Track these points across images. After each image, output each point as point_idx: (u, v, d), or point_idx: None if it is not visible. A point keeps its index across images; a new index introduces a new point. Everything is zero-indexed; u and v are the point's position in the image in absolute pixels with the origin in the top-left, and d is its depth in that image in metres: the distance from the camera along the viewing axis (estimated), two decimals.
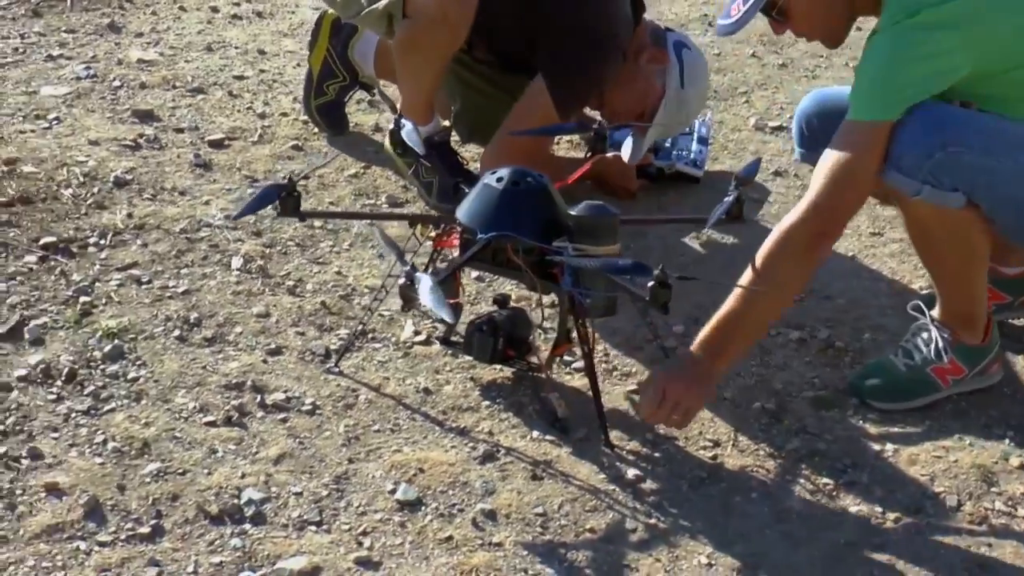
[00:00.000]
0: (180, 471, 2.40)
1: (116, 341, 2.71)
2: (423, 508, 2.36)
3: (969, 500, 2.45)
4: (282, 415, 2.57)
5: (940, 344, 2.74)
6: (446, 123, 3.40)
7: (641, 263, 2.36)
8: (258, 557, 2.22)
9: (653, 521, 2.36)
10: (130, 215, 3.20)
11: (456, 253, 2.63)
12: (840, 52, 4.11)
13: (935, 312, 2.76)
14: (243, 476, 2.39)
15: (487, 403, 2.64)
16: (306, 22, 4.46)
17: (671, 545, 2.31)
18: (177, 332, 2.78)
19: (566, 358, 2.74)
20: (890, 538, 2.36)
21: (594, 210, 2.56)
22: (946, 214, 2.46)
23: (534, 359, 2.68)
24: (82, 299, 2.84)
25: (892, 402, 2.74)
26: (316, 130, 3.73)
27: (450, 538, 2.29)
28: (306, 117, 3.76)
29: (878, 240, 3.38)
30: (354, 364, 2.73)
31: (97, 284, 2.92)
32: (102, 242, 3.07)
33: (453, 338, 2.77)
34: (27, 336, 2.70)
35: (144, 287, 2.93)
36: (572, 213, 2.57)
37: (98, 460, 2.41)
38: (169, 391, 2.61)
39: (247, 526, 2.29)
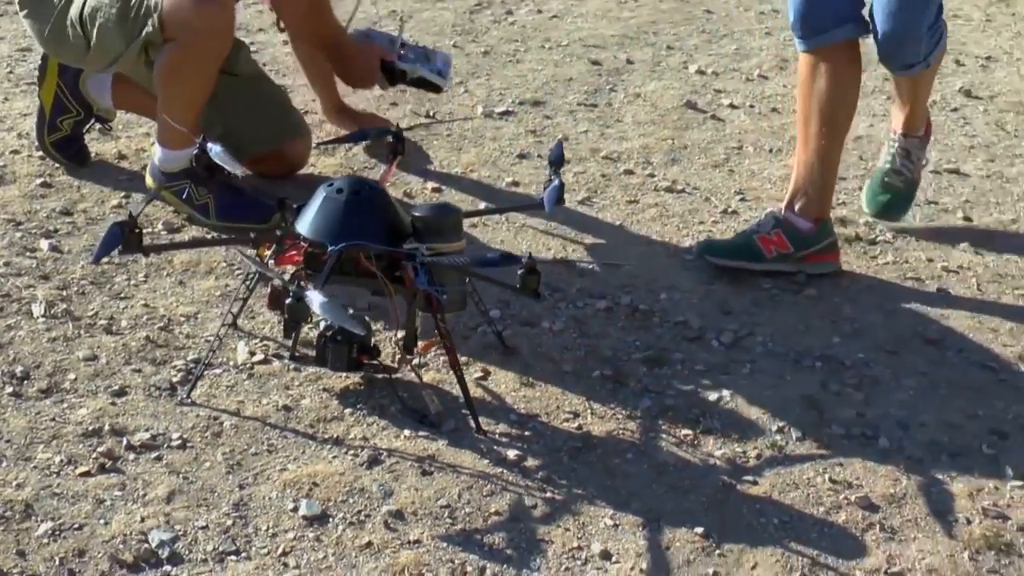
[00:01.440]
0: (76, 526, 2.33)
1: None
2: (331, 520, 2.39)
3: (810, 428, 2.70)
4: (155, 454, 2.53)
5: (772, 220, 3.25)
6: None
7: (509, 253, 2.48)
8: None
9: (549, 495, 2.48)
10: None
11: (291, 269, 2.65)
12: (534, 35, 4.35)
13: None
14: (142, 520, 2.35)
15: (349, 410, 2.68)
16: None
17: (574, 513, 2.44)
18: (9, 389, 2.67)
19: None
20: (760, 473, 2.57)
21: (437, 210, 2.65)
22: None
23: (384, 361, 2.74)
24: None
25: (723, 258, 3.25)
26: (56, 164, 3.60)
27: (369, 543, 2.34)
28: (41, 153, 3.62)
29: (636, 207, 3.61)
30: (203, 393, 2.70)
31: None
32: None
33: (298, 353, 2.79)
34: None
35: None
36: (416, 214, 2.65)
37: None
38: (27, 448, 2.51)
39: (168, 567, 2.26)
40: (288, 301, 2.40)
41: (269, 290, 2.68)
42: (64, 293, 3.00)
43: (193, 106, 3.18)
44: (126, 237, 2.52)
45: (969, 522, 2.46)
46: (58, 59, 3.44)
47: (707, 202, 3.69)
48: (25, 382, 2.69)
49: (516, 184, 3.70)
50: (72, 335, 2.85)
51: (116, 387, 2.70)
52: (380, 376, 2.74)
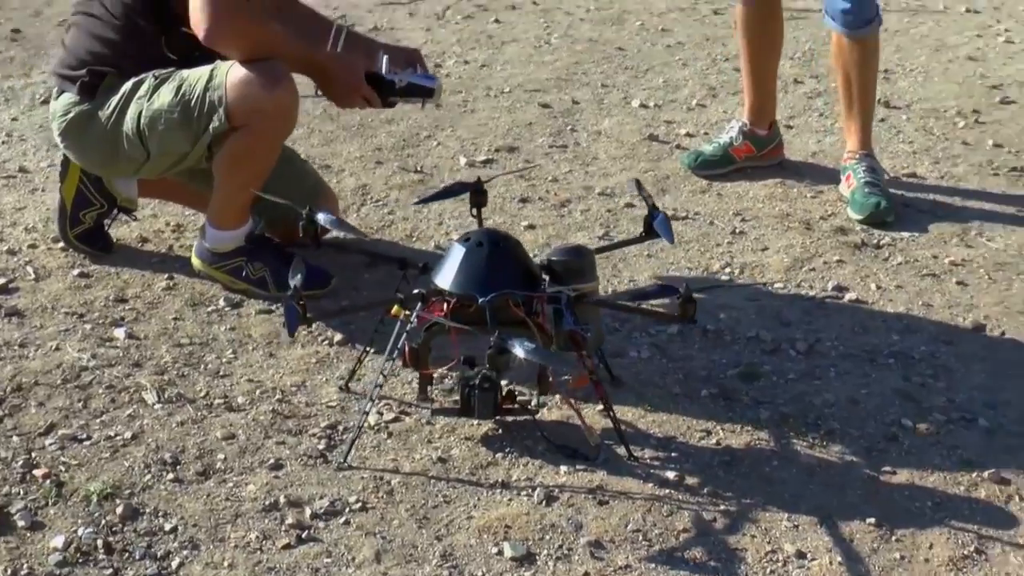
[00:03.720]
0: None
1: (120, 500, 2.59)
2: (537, 558, 2.49)
3: (915, 417, 2.97)
4: (341, 519, 2.58)
5: (737, 132, 4.23)
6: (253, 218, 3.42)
7: (667, 284, 2.63)
8: None
9: (722, 507, 2.64)
10: None
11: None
12: (473, 85, 4.49)
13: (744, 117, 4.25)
14: None
15: (500, 455, 2.78)
16: None
17: (752, 521, 2.60)
18: (170, 475, 2.68)
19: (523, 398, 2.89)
20: (895, 463, 2.78)
21: (574, 253, 2.79)
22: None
23: (522, 404, 2.84)
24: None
25: (706, 170, 4.22)
26: (82, 255, 3.58)
27: (586, 574, 2.45)
28: (63, 245, 3.59)
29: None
30: (355, 457, 2.76)
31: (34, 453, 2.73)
32: None
33: (435, 406, 2.87)
34: None
35: (89, 444, 2.79)
36: (553, 258, 2.78)
37: None
38: (216, 530, 2.54)
39: None
40: (490, 352, 2.49)
41: (407, 349, 2.74)
42: (165, 378, 3.01)
43: (254, 185, 3.22)
44: (302, 310, 2.56)
45: None
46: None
47: (712, 225, 3.90)
48: (178, 467, 2.70)
49: (532, 227, 3.84)
50: (198, 417, 2.87)
51: (270, 461, 2.73)
52: (522, 419, 2.83)
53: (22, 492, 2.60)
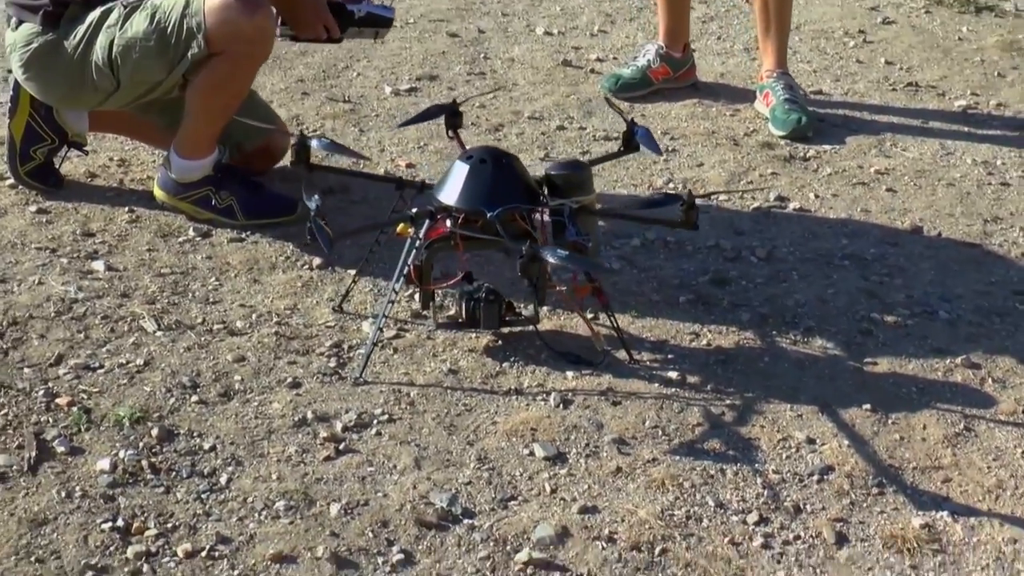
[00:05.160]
0: (361, 502, 2.44)
1: (152, 423, 2.62)
2: (569, 456, 2.61)
3: (882, 311, 3.17)
4: (373, 430, 2.65)
5: (654, 55, 4.38)
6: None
7: (669, 193, 2.76)
8: (509, 539, 2.37)
9: (728, 401, 2.80)
10: None
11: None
12: None
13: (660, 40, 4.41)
14: (414, 486, 2.49)
15: (507, 364, 2.88)
16: None
17: (758, 412, 2.77)
18: (194, 397, 2.71)
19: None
20: (874, 354, 2.98)
21: (573, 167, 2.89)
22: None
23: (522, 315, 2.94)
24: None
25: (626, 92, 4.35)
26: (33, 191, 3.53)
27: (618, 468, 2.58)
28: (12, 182, 3.54)
29: (593, 156, 3.91)
30: (368, 374, 2.83)
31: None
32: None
33: (441, 319, 2.94)
34: None
35: (103, 372, 2.80)
36: (552, 173, 2.88)
37: (284, 520, 2.38)
38: (254, 447, 2.58)
39: (467, 520, 2.41)
40: (521, 260, 2.58)
41: (412, 266, 2.81)
42: (157, 306, 3.02)
43: (227, 114, 3.23)
44: (318, 226, 2.60)
45: None
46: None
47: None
48: (198, 390, 2.73)
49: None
50: (202, 342, 2.90)
51: (287, 380, 2.78)
52: (519, 329, 2.93)
53: (51, 420, 2.60)
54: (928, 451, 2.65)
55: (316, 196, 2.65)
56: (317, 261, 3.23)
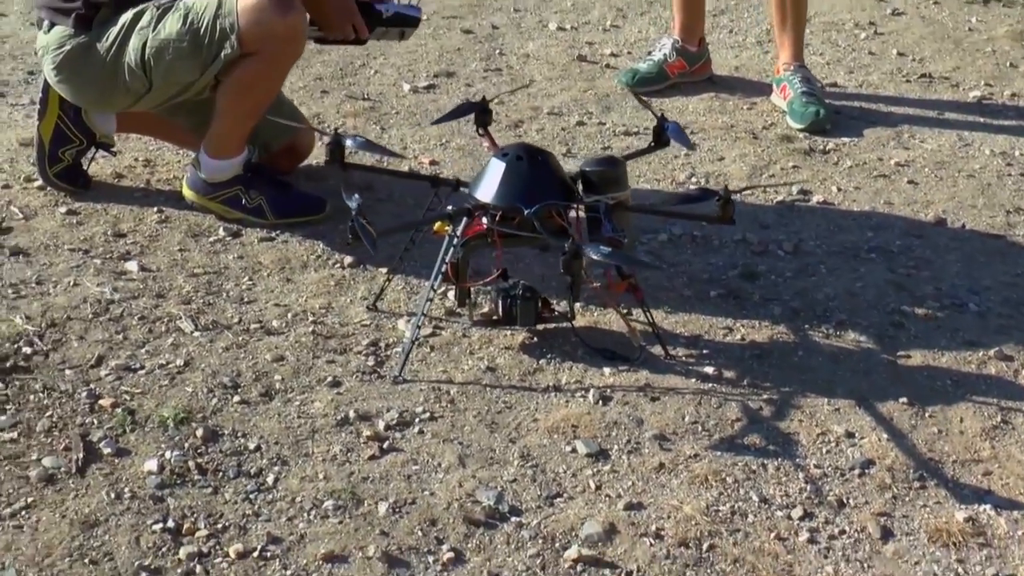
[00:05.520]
0: (409, 501, 2.46)
1: (196, 424, 2.63)
2: (611, 453, 2.63)
3: (911, 303, 3.19)
4: (415, 429, 2.67)
5: (670, 49, 4.39)
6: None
7: (705, 188, 2.77)
8: (557, 536, 2.39)
9: (765, 396, 2.82)
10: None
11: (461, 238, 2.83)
12: None
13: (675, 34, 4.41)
14: (460, 484, 2.50)
15: (543, 361, 2.90)
16: None
17: (796, 407, 2.79)
18: (236, 398, 2.73)
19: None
20: (907, 347, 3.00)
21: (608, 163, 2.91)
22: None
23: (557, 312, 2.96)
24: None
25: (643, 86, 4.32)
26: (62, 192, 3.53)
27: (661, 465, 2.60)
28: (40, 183, 3.55)
29: (617, 152, 3.93)
30: (407, 372, 2.84)
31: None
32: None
33: (477, 316, 2.96)
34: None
35: (144, 373, 2.81)
36: (587, 169, 2.89)
37: (334, 520, 2.40)
38: (298, 446, 2.60)
39: (514, 518, 2.43)
40: (564, 257, 2.59)
41: (449, 264, 2.83)
42: (193, 307, 3.03)
43: (257, 114, 3.25)
44: (361, 224, 2.61)
45: None
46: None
47: None
48: (239, 390, 2.74)
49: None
50: (240, 342, 2.91)
51: (327, 379, 2.79)
52: (553, 326, 2.95)
53: (96, 422, 2.61)
54: (967, 444, 2.67)
55: (356, 195, 2.66)
56: (349, 259, 3.24)
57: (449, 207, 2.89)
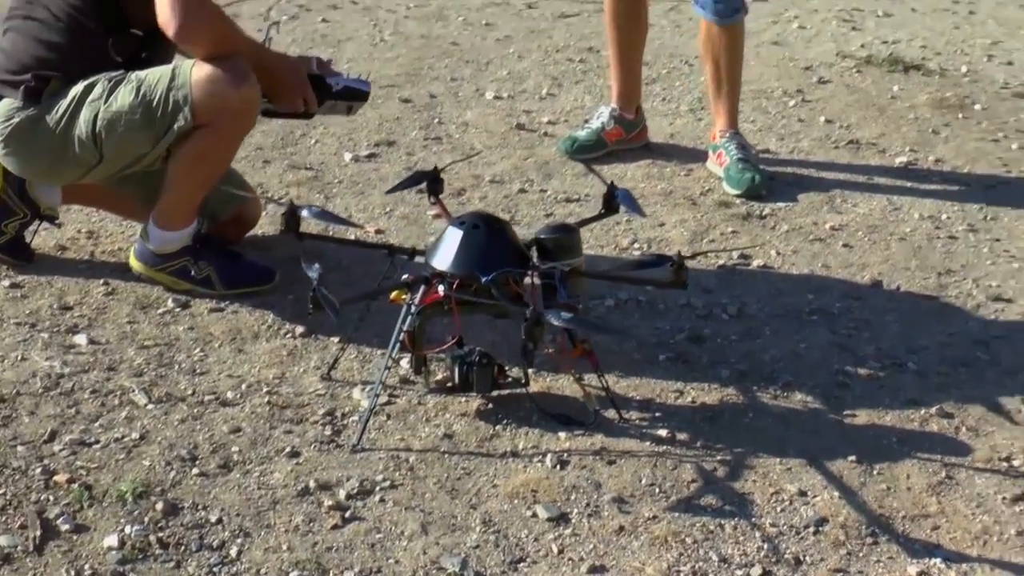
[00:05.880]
0: (374, 570, 2.47)
1: (155, 498, 2.63)
2: (571, 517, 2.66)
3: (854, 365, 3.27)
4: (376, 497, 2.68)
5: (608, 117, 4.48)
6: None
7: (659, 253, 2.84)
8: None
9: (719, 458, 2.86)
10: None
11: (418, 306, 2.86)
12: None
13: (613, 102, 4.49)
14: (424, 551, 2.52)
15: (499, 427, 2.93)
16: None
17: (749, 467, 2.83)
18: (195, 470, 2.73)
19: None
20: (852, 407, 3.07)
21: (562, 230, 2.96)
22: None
23: (511, 378, 2.99)
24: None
25: (582, 154, 4.44)
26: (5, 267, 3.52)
27: (621, 527, 2.63)
28: None
29: (557, 219, 3.99)
30: (365, 441, 2.86)
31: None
32: None
33: (432, 384, 2.99)
34: None
35: (100, 448, 2.80)
36: (542, 236, 2.95)
37: None
38: (260, 518, 2.60)
39: None
40: (526, 324, 2.63)
41: (405, 332, 2.86)
42: (145, 379, 3.03)
43: (209, 185, 3.27)
44: (323, 294, 2.64)
45: (1019, 413, 3.08)
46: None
47: None
48: (197, 462, 2.74)
49: (439, 216, 3.97)
50: (196, 414, 2.91)
51: (285, 450, 2.80)
52: (507, 392, 2.98)
53: (52, 498, 2.60)
54: (914, 500, 2.73)
55: (316, 265, 2.69)
56: (300, 329, 3.25)
57: (404, 275, 2.92)
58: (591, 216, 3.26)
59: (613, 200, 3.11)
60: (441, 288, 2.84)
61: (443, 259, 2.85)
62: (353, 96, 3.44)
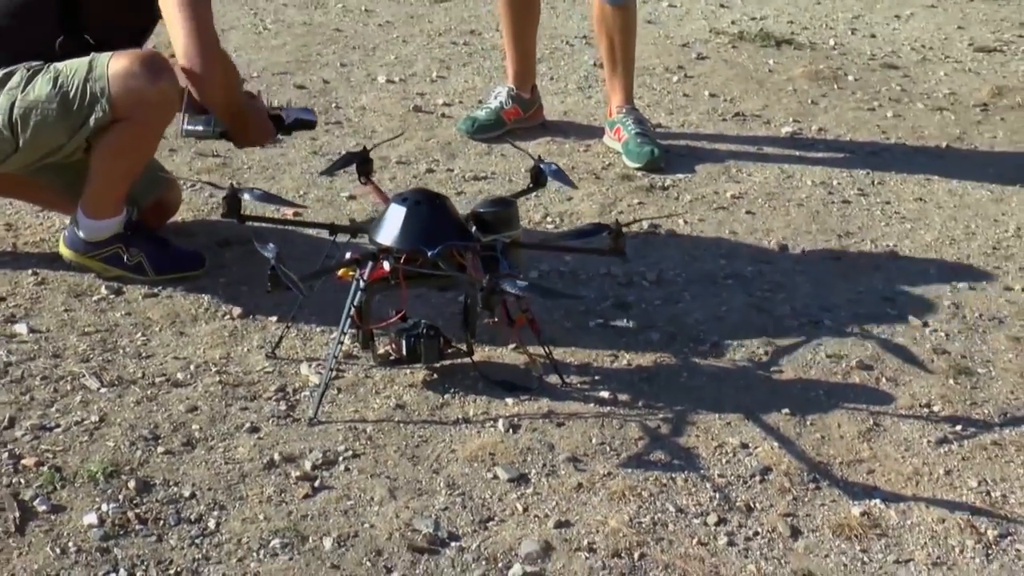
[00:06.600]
0: (352, 534, 2.54)
1: (126, 476, 2.67)
2: (530, 477, 2.77)
3: (774, 324, 3.44)
4: (342, 467, 2.76)
5: (505, 96, 4.60)
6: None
7: (597, 223, 2.97)
8: (498, 556, 2.52)
9: (661, 416, 2.99)
10: None
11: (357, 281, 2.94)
12: None
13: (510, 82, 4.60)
14: (397, 515, 2.61)
15: (448, 396, 3.03)
16: None
17: (690, 423, 2.97)
18: (160, 448, 2.77)
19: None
20: (776, 363, 3.24)
21: (501, 204, 3.07)
22: None
23: (459, 348, 3.10)
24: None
25: (482, 133, 4.55)
26: None
27: (579, 484, 2.75)
28: None
29: (466, 197, 4.09)
30: (321, 414, 2.93)
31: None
32: None
33: (379, 357, 3.07)
34: None
35: (61, 432, 2.82)
36: (481, 211, 3.05)
37: (284, 557, 2.48)
38: (231, 490, 2.65)
39: (454, 543, 2.54)
40: (482, 293, 2.73)
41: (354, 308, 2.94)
42: (93, 364, 3.06)
43: (132, 176, 3.29)
44: (283, 272, 2.70)
45: (932, 363, 3.28)
46: None
47: (512, 183, 4.23)
48: (160, 441, 2.79)
49: (353, 197, 4.06)
50: (150, 395, 2.95)
51: (245, 425, 2.86)
52: (449, 363, 3.08)
53: (23, 481, 2.62)
54: (848, 447, 2.90)
55: (271, 245, 2.74)
56: (238, 311, 3.30)
57: (348, 253, 2.99)
58: (521, 190, 3.36)
59: (541, 174, 3.21)
60: (386, 264, 2.90)
61: (388, 235, 2.93)
62: (303, 127, 3.64)
